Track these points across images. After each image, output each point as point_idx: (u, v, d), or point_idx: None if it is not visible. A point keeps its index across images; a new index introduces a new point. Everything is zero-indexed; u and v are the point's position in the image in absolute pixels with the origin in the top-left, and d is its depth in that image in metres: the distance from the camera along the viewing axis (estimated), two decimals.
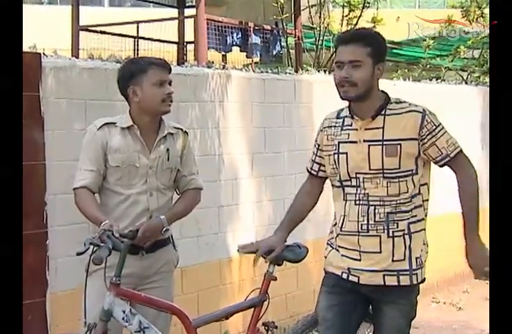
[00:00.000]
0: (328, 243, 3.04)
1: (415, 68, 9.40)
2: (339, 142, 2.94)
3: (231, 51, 8.12)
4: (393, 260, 2.87)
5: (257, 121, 5.05)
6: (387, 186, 2.85)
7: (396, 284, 2.87)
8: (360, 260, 2.89)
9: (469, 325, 5.64)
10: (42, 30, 11.97)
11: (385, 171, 2.85)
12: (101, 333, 2.90)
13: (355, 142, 2.90)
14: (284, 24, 7.84)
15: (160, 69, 3.20)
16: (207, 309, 3.50)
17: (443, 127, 2.91)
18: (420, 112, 2.87)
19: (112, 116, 3.35)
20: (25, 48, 4.05)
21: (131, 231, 3.06)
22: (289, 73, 5.41)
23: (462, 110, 6.99)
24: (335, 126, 2.99)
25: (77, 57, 5.66)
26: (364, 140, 2.88)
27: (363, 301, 2.97)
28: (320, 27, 7.55)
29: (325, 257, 3.04)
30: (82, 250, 2.90)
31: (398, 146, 2.84)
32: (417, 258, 2.90)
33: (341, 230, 2.93)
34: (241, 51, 8.29)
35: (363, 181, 2.88)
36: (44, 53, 3.87)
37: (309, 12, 7.69)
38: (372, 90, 2.88)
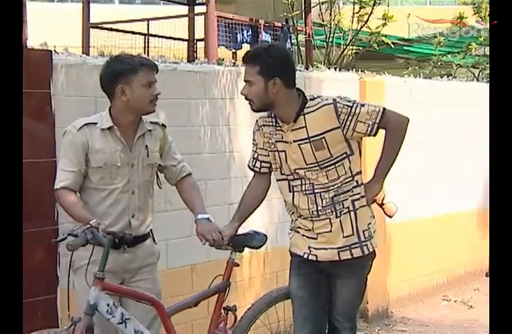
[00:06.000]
0: (291, 229, 3.37)
1: (426, 65, 9.36)
2: (276, 141, 3.24)
3: (241, 48, 8.12)
4: (343, 236, 3.22)
5: None
6: (327, 174, 3.18)
7: (350, 257, 3.22)
8: (316, 238, 3.25)
9: (480, 324, 5.60)
10: (52, 28, 12.00)
11: (319, 163, 3.17)
12: (86, 327, 2.93)
13: (288, 142, 3.20)
14: (294, 21, 7.82)
15: (149, 71, 3.23)
16: None
17: (358, 103, 3.16)
18: (331, 103, 3.14)
19: None
20: (36, 45, 4.09)
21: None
22: (299, 70, 5.38)
23: (474, 107, 6.96)
24: (269, 125, 3.27)
25: (88, 54, 5.67)
26: (294, 141, 3.18)
27: (326, 278, 3.30)
28: (330, 24, 7.53)
29: (290, 239, 3.37)
30: (60, 238, 2.93)
31: (323, 139, 3.14)
32: (364, 231, 3.24)
33: (299, 216, 3.27)
34: (251, 48, 8.28)
35: (305, 174, 3.20)
36: (55, 51, 3.88)
37: (320, 9, 7.66)
38: (274, 102, 3.14)
